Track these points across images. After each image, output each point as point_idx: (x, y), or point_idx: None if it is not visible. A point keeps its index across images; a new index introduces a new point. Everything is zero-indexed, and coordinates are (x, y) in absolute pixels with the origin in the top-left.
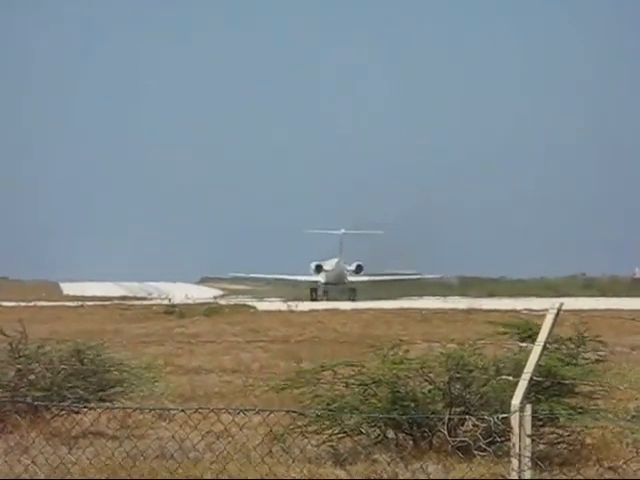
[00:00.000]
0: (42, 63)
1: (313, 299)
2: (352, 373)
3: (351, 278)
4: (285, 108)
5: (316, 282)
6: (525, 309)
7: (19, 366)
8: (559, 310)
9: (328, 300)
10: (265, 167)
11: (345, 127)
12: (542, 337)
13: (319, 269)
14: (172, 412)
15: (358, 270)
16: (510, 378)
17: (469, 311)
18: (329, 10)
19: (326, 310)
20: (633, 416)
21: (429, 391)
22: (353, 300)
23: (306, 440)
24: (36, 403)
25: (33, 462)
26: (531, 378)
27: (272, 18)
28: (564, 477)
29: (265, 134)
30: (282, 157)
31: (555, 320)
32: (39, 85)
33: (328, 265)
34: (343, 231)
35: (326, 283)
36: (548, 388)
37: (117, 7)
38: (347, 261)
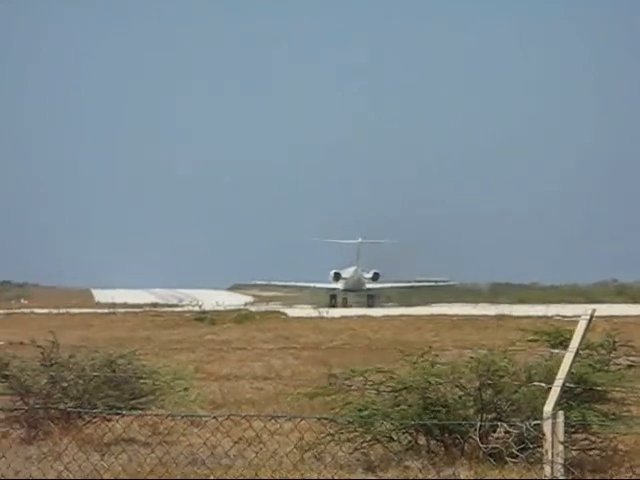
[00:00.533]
0: (66, 63)
1: (332, 305)
2: (383, 379)
3: (376, 285)
4: (301, 117)
5: (335, 289)
6: (557, 315)
7: (52, 373)
8: (592, 316)
9: (346, 307)
10: (285, 178)
11: (361, 143)
12: (574, 344)
13: (337, 277)
14: (204, 419)
15: (375, 277)
16: (542, 385)
17: (500, 317)
18: (329, 10)
19: (358, 317)
20: None
21: (460, 397)
22: (371, 306)
23: (337, 447)
24: (69, 410)
25: (66, 468)
26: (563, 384)
27: (272, 17)
28: None
29: (281, 145)
30: (302, 169)
31: (588, 326)
32: (68, 87)
33: (346, 273)
34: (360, 240)
35: (345, 290)
36: (580, 394)
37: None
38: (364, 269)
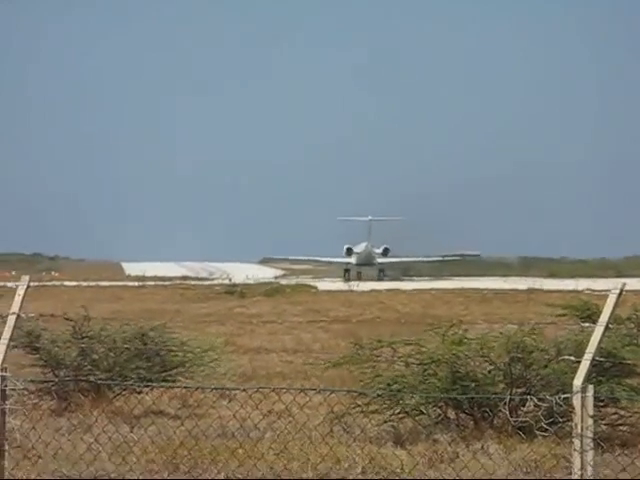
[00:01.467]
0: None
1: (347, 279)
2: (412, 352)
3: (387, 259)
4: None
5: (349, 263)
6: (587, 290)
7: (82, 346)
8: (622, 290)
9: (360, 280)
10: (285, 178)
11: (370, 121)
12: (604, 318)
13: (350, 252)
14: (233, 391)
15: (385, 252)
16: (572, 358)
17: (530, 291)
18: (329, 10)
19: (387, 290)
20: None
21: (489, 372)
22: (382, 280)
23: (367, 420)
24: (99, 382)
25: (96, 440)
26: (593, 359)
27: (272, 17)
28: (626, 458)
29: (301, 137)
30: (321, 156)
31: (617, 301)
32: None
33: (358, 248)
34: (370, 218)
35: (357, 264)
36: (609, 369)
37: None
38: (375, 244)
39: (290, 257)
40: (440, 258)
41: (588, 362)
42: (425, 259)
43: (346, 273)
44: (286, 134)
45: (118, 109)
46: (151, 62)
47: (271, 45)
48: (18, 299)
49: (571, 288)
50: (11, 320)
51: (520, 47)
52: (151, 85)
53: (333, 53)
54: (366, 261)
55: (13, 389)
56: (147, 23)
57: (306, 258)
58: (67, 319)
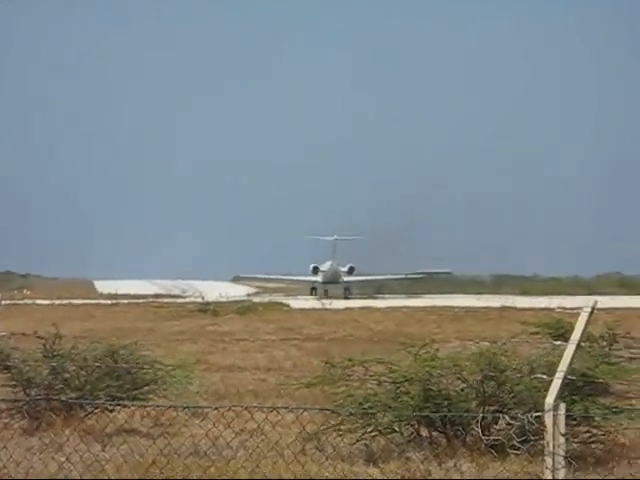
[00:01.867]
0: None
1: (320, 298)
2: (385, 371)
3: (352, 278)
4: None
5: (315, 282)
6: (559, 307)
7: (53, 364)
8: (593, 308)
9: (327, 297)
10: (284, 178)
11: (338, 136)
12: (576, 336)
13: (316, 270)
14: (205, 410)
15: (350, 271)
16: (544, 377)
17: (503, 309)
18: (329, 10)
19: (360, 308)
20: None
21: (462, 389)
22: (348, 298)
23: (339, 438)
24: (70, 401)
25: (67, 459)
26: (565, 377)
27: (272, 17)
28: (598, 476)
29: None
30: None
31: (589, 319)
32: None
33: (324, 267)
34: (335, 237)
35: (323, 282)
36: (582, 387)
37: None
38: (341, 263)
39: (258, 275)
40: (405, 276)
41: (560, 380)
42: (392, 277)
43: (312, 291)
44: (286, 134)
45: (118, 109)
46: (151, 62)
47: (271, 45)
48: None
49: (543, 306)
50: None
51: (520, 47)
52: (151, 85)
53: (333, 53)
54: (332, 279)
55: None
56: (147, 23)
57: (273, 277)
58: (39, 337)
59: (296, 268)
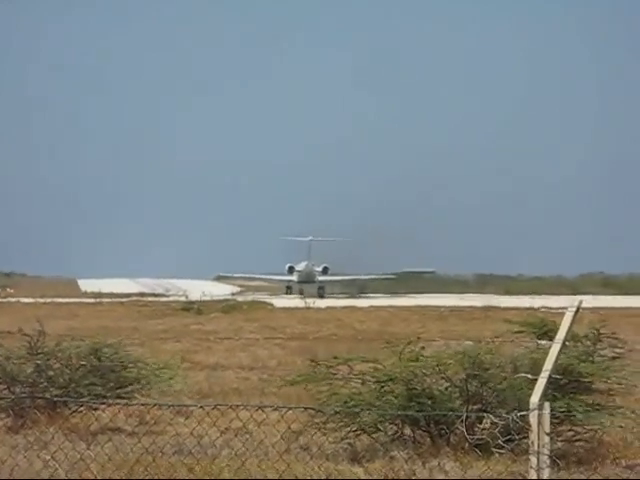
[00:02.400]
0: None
1: (287, 295)
2: (369, 369)
3: (327, 277)
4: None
5: (290, 281)
6: (543, 307)
7: (38, 362)
8: (578, 308)
9: (302, 296)
10: (285, 178)
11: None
12: (561, 335)
13: (292, 270)
14: (190, 408)
15: (325, 271)
16: (528, 376)
17: (487, 309)
18: (329, 10)
19: (344, 307)
20: None
21: (446, 389)
22: (322, 297)
23: (324, 437)
24: (55, 399)
25: (52, 457)
26: (550, 376)
27: (272, 17)
28: (581, 475)
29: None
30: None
31: (574, 318)
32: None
33: (299, 267)
34: (310, 238)
35: (298, 282)
36: (565, 386)
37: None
38: (316, 263)
39: (235, 275)
40: (382, 275)
41: (545, 380)
42: (374, 276)
43: (288, 290)
44: (286, 134)
45: (118, 110)
46: (151, 62)
47: (271, 45)
48: None
49: (527, 305)
50: None
51: (520, 47)
52: (151, 85)
53: (333, 53)
54: (307, 279)
55: None
56: (147, 23)
57: (248, 276)
58: (24, 334)
59: (279, 267)
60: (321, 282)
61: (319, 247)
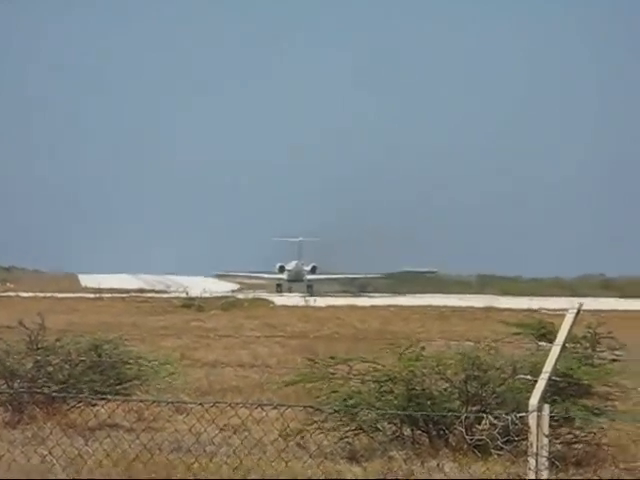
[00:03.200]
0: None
1: (278, 292)
2: (369, 369)
3: (315, 276)
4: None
5: (281, 279)
6: (542, 309)
7: (37, 357)
8: (579, 310)
9: (290, 292)
10: (285, 179)
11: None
12: (561, 337)
13: (282, 269)
14: (189, 405)
15: (313, 270)
16: (528, 377)
17: (487, 309)
18: (329, 10)
19: (345, 306)
20: None
21: (445, 389)
22: (311, 295)
23: (322, 436)
24: (54, 395)
25: (50, 453)
26: (549, 378)
27: (272, 17)
28: (580, 477)
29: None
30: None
31: (575, 320)
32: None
33: (289, 266)
34: (300, 239)
35: (288, 280)
36: (564, 388)
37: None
38: (305, 262)
39: (231, 273)
40: (374, 275)
41: (544, 381)
42: (351, 275)
43: (278, 287)
44: (285, 134)
45: (118, 110)
46: (151, 62)
47: (271, 45)
48: None
49: (525, 307)
50: None
51: (520, 47)
52: (151, 85)
53: (333, 53)
54: (296, 277)
55: None
56: (147, 23)
57: (242, 274)
58: (24, 327)
59: (272, 267)
60: (310, 281)
61: (312, 247)
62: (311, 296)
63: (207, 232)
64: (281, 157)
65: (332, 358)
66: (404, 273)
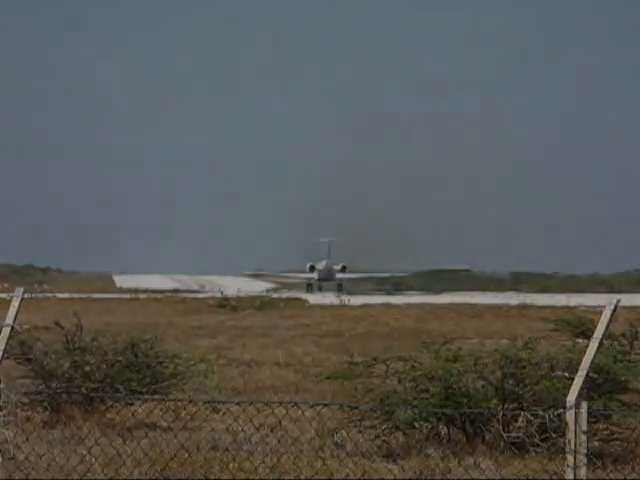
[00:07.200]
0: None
1: (308, 291)
2: (406, 368)
3: (345, 275)
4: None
5: (311, 279)
6: (580, 305)
7: (74, 358)
8: (616, 306)
9: (321, 291)
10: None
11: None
12: (599, 333)
13: (313, 269)
14: (226, 405)
15: (343, 269)
16: (565, 374)
17: (522, 307)
18: (329, 10)
19: (379, 305)
20: None
21: (482, 387)
22: (341, 293)
23: (359, 434)
24: (91, 394)
25: (89, 452)
26: (587, 374)
27: (271, 17)
28: (618, 474)
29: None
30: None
31: (612, 316)
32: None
33: (320, 265)
34: (330, 239)
35: (319, 279)
36: (601, 385)
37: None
38: (335, 262)
39: (259, 272)
40: (402, 274)
41: (582, 378)
42: (379, 275)
43: (309, 287)
44: (286, 134)
45: (118, 114)
46: (151, 62)
47: (271, 45)
48: (13, 310)
49: (563, 303)
50: (5, 331)
51: (520, 47)
52: (151, 85)
53: (333, 53)
54: (327, 276)
55: (6, 401)
56: (147, 23)
57: (274, 274)
58: (60, 326)
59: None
60: (340, 279)
61: (341, 247)
62: (344, 295)
63: (240, 233)
64: (314, 158)
65: (374, 359)
66: (437, 271)
